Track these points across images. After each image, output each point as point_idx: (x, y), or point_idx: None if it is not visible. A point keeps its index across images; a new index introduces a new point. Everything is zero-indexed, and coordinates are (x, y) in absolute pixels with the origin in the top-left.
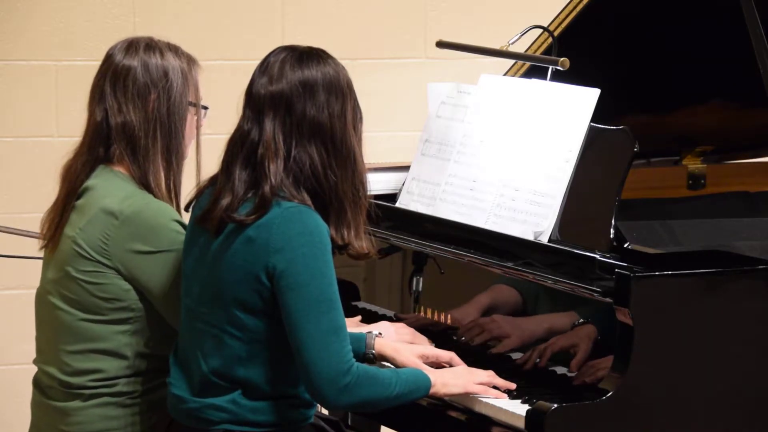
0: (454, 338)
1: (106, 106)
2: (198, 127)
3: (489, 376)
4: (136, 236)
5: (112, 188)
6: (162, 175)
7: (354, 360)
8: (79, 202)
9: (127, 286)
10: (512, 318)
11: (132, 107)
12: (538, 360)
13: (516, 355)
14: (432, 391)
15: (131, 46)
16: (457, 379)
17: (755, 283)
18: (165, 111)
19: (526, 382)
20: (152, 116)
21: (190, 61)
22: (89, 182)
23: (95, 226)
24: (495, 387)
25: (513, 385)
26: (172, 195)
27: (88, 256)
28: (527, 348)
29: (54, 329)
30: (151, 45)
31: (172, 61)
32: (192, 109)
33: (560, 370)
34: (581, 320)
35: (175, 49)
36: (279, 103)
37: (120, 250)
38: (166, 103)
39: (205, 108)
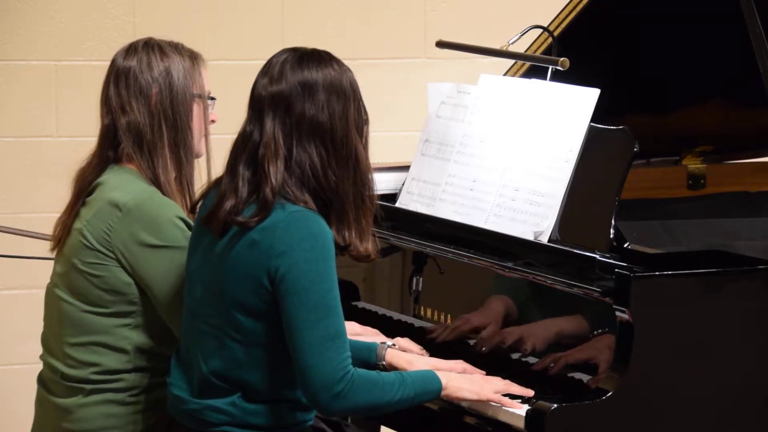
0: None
1: (111, 108)
2: (206, 121)
3: (505, 384)
4: (138, 228)
5: (120, 183)
6: (171, 169)
7: (351, 367)
8: (89, 197)
9: (128, 279)
10: (517, 325)
11: (135, 104)
12: (535, 361)
13: (516, 355)
14: (444, 393)
15: (131, 48)
16: (472, 384)
17: (755, 283)
18: (168, 104)
19: (526, 381)
20: (156, 110)
21: (192, 55)
22: (100, 179)
23: (100, 218)
24: (512, 395)
25: (530, 392)
26: (185, 190)
27: (92, 247)
28: (532, 351)
29: (59, 321)
30: (149, 43)
31: (172, 56)
32: (199, 102)
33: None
34: (580, 320)
35: (175, 46)
36: (278, 103)
37: (122, 242)
38: (168, 96)
39: (212, 99)
